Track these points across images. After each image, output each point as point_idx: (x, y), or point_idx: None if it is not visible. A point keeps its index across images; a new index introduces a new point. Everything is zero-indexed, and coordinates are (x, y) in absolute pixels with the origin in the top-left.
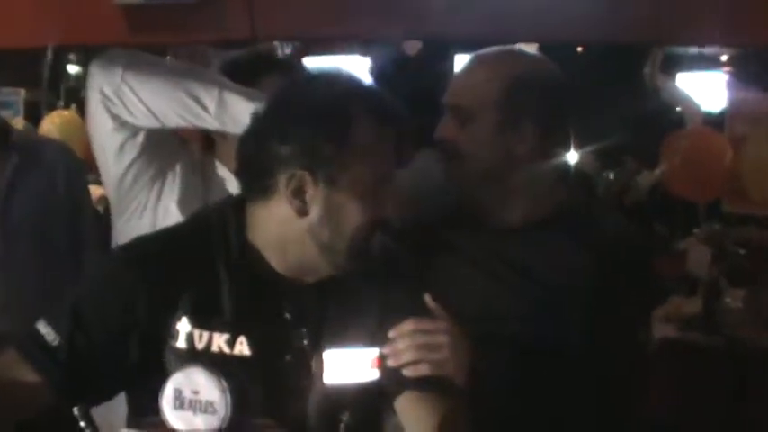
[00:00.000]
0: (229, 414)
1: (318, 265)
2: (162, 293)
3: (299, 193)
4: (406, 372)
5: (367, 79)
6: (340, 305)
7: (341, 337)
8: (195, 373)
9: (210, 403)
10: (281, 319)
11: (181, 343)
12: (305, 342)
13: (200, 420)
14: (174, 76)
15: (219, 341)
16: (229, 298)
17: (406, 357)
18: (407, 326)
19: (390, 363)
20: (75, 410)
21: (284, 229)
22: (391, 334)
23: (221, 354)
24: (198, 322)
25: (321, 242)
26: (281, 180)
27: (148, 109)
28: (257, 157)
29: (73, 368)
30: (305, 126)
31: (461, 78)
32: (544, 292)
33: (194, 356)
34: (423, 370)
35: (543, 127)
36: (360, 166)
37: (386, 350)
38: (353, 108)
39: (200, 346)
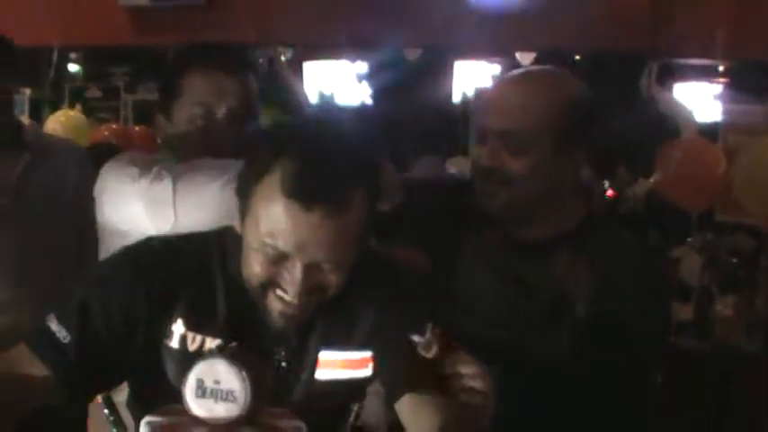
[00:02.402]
0: (249, 402)
1: None
2: (161, 293)
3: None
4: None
5: (366, 86)
6: (332, 316)
7: (332, 343)
8: (217, 363)
9: (231, 392)
10: (264, 331)
11: (174, 343)
12: (283, 355)
13: (221, 408)
14: (221, 192)
15: (211, 345)
16: (223, 306)
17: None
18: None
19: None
20: (100, 398)
21: None
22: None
23: None
24: (192, 325)
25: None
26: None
27: (196, 225)
28: None
29: (82, 364)
30: (245, 162)
31: (509, 101)
32: (563, 305)
33: (186, 357)
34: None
35: (589, 149)
36: (252, 223)
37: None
38: (268, 167)
39: (192, 348)
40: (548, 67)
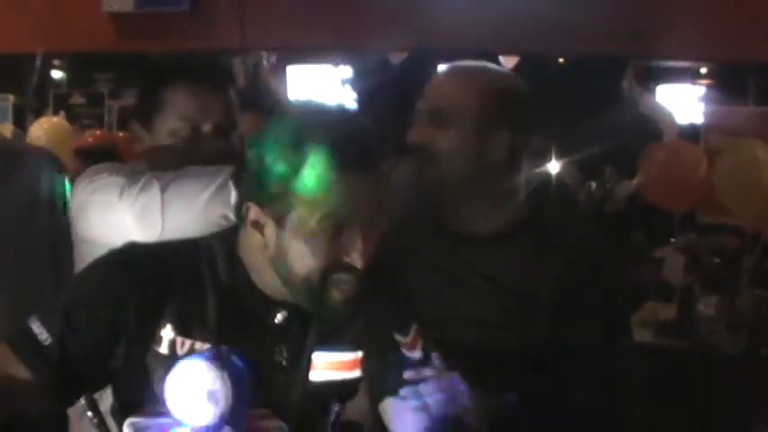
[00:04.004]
0: (230, 403)
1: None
2: (150, 299)
3: (257, 226)
4: None
5: (350, 89)
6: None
7: (325, 343)
8: (198, 365)
9: (212, 393)
10: (263, 333)
11: (164, 349)
12: (285, 354)
13: (202, 409)
14: (209, 202)
15: (201, 349)
16: (213, 310)
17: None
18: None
19: None
20: (83, 400)
21: (256, 255)
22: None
23: None
24: (181, 330)
25: (281, 277)
26: (244, 208)
27: (183, 234)
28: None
29: (63, 367)
30: (259, 159)
31: (440, 84)
32: (510, 301)
33: (176, 362)
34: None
35: (517, 137)
36: (306, 210)
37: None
38: (306, 151)
39: (181, 352)
40: (486, 63)
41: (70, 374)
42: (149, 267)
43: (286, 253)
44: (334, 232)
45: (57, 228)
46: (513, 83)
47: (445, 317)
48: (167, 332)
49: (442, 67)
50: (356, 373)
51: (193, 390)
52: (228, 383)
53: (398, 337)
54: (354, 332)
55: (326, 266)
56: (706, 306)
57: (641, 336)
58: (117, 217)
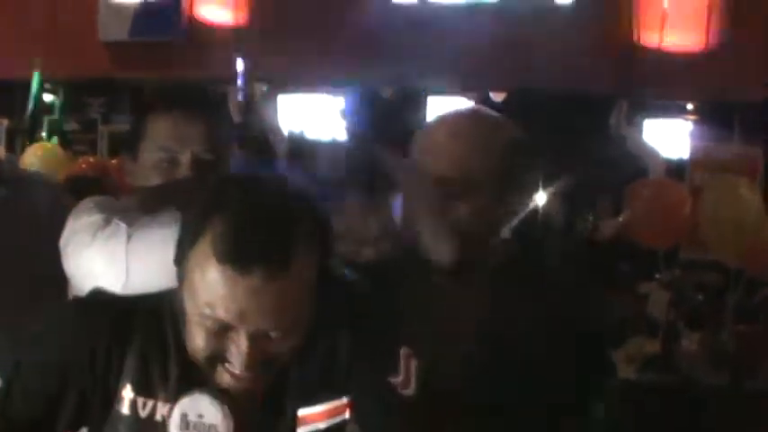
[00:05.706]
0: None
1: None
2: (105, 356)
3: None
4: None
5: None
6: (305, 370)
7: (310, 397)
8: (200, 399)
9: (213, 426)
10: (227, 393)
11: (125, 409)
12: (255, 415)
13: None
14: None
15: (163, 410)
16: (175, 369)
17: None
18: None
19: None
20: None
21: None
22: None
23: (164, 423)
24: (142, 390)
25: None
26: None
27: (148, 286)
28: None
29: (10, 416)
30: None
31: (453, 148)
32: (496, 342)
33: (137, 424)
34: None
35: (526, 186)
36: (189, 294)
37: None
38: (202, 230)
39: (143, 414)
40: (480, 108)
41: (18, 423)
42: (107, 323)
43: (186, 324)
44: (216, 328)
45: (57, 252)
46: (514, 129)
47: (427, 355)
48: (128, 392)
49: (442, 124)
50: (346, 416)
51: (196, 422)
52: (230, 417)
53: (392, 380)
54: (341, 379)
55: (210, 357)
56: (690, 341)
57: (627, 371)
58: (88, 260)
